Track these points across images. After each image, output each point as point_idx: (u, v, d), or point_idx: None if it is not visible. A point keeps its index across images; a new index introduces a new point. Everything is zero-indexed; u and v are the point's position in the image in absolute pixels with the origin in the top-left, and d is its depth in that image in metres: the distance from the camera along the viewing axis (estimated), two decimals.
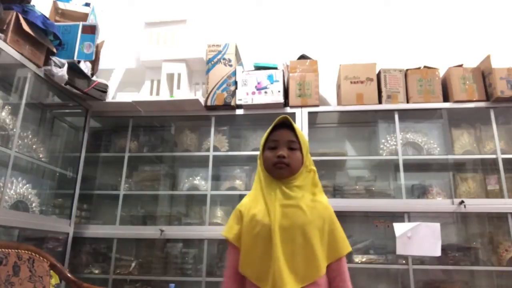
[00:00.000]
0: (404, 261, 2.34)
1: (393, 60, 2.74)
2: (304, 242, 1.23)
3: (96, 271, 2.58)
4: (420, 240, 2.24)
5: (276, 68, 2.68)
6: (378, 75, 2.64)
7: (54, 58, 2.26)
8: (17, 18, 2.03)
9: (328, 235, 1.28)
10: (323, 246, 1.26)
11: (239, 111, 2.68)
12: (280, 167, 1.31)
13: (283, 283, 1.18)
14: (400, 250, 2.25)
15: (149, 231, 2.55)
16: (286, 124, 1.36)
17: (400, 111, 2.57)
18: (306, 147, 1.37)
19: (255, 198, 1.34)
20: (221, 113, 2.70)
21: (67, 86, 2.39)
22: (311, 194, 1.33)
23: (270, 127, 1.37)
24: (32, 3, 2.18)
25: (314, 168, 1.38)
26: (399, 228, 2.29)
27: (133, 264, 2.58)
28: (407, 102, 2.58)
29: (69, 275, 1.82)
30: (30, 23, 2.10)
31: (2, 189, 1.99)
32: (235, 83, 2.67)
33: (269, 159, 1.34)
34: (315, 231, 1.25)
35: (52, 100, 2.60)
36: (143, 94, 2.75)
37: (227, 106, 2.64)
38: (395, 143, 2.58)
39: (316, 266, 1.23)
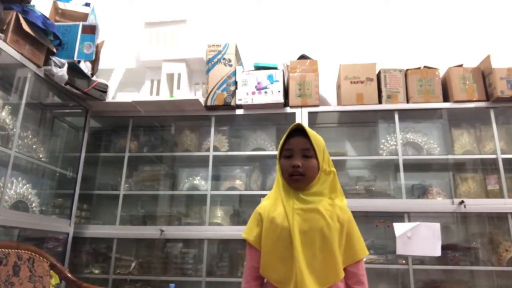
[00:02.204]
0: (404, 261, 2.34)
1: (393, 60, 2.74)
2: (323, 245, 1.24)
3: (96, 271, 2.58)
4: (420, 240, 2.24)
5: (276, 68, 2.68)
6: (378, 75, 2.64)
7: (54, 58, 2.26)
8: (17, 18, 2.03)
9: (346, 238, 1.28)
10: (341, 249, 1.26)
11: (239, 111, 2.68)
12: (297, 180, 1.31)
13: (305, 286, 1.18)
14: (400, 250, 2.25)
15: (149, 231, 2.55)
16: (300, 130, 1.36)
17: (400, 111, 2.57)
18: (322, 151, 1.36)
19: (275, 201, 1.34)
20: (221, 113, 2.70)
21: (67, 86, 2.39)
22: (329, 198, 1.33)
23: (285, 135, 1.37)
24: (32, 3, 2.17)
25: (333, 169, 1.37)
26: (399, 228, 2.29)
27: (133, 264, 2.58)
28: (407, 102, 2.58)
29: (69, 275, 1.82)
30: (30, 23, 2.10)
31: (2, 189, 1.99)
32: (235, 83, 2.67)
33: (285, 167, 1.34)
34: (334, 234, 1.25)
35: (52, 100, 2.60)
36: (143, 94, 2.75)
37: (227, 106, 2.64)
38: (395, 143, 2.58)
39: (336, 269, 1.23)
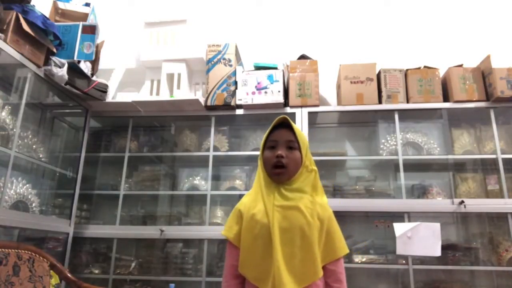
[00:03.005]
0: (404, 261, 2.34)
1: (393, 60, 2.74)
2: (303, 244, 1.23)
3: (96, 271, 2.58)
4: (420, 240, 2.25)
5: (276, 68, 2.68)
6: (378, 75, 2.64)
7: (54, 58, 2.26)
8: (17, 18, 2.03)
9: (326, 236, 1.28)
10: (321, 247, 1.26)
11: (239, 111, 2.68)
12: (279, 173, 1.31)
13: (283, 284, 1.18)
14: (400, 250, 2.25)
15: (149, 231, 2.55)
16: (286, 124, 1.37)
17: (400, 111, 2.57)
18: (306, 146, 1.37)
19: (255, 198, 1.34)
20: (221, 113, 2.70)
21: (67, 86, 2.39)
22: (310, 195, 1.32)
23: (270, 128, 1.38)
24: (32, 3, 2.17)
25: (315, 168, 1.38)
26: (399, 228, 2.29)
27: (133, 264, 2.58)
28: (407, 102, 2.58)
29: (69, 275, 1.82)
30: (30, 23, 2.10)
31: (2, 189, 1.99)
32: (235, 83, 2.67)
33: (268, 159, 1.34)
34: (314, 232, 1.25)
35: (52, 100, 2.60)
36: (143, 94, 2.75)
37: (227, 106, 2.64)
38: (395, 143, 2.58)
39: (314, 268, 1.23)
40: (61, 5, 2.56)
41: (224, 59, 2.70)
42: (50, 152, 2.56)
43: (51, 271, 1.79)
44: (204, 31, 2.84)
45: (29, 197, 2.25)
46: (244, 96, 2.62)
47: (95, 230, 2.60)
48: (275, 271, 1.19)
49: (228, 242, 1.34)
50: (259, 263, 1.24)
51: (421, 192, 2.54)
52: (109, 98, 2.68)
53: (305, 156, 1.35)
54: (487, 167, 2.51)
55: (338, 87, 2.73)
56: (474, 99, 2.49)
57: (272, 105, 2.61)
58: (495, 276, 2.36)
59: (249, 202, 1.35)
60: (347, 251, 1.31)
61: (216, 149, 2.71)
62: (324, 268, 1.26)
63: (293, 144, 1.34)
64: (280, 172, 1.31)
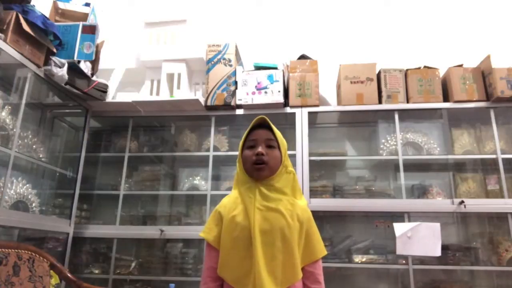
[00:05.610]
0: (404, 261, 2.34)
1: (393, 60, 2.74)
2: (283, 246, 1.23)
3: (96, 271, 2.58)
4: (420, 240, 2.24)
5: (276, 68, 2.68)
6: (378, 75, 2.64)
7: (54, 58, 2.26)
8: (17, 18, 2.04)
9: (305, 238, 1.28)
10: (300, 249, 1.26)
11: (239, 111, 2.68)
12: (260, 168, 1.31)
13: (263, 286, 1.17)
14: (400, 250, 2.25)
15: (149, 231, 2.55)
16: (264, 125, 1.37)
17: (400, 111, 2.57)
18: (285, 146, 1.38)
19: (235, 200, 1.34)
20: (221, 113, 2.70)
21: (67, 86, 2.39)
22: (290, 197, 1.32)
23: (248, 128, 1.38)
24: (32, 3, 2.18)
25: (293, 170, 1.38)
26: (399, 228, 2.29)
27: (133, 264, 2.58)
28: (407, 102, 2.58)
29: (69, 275, 1.82)
30: (30, 23, 2.10)
31: (2, 189, 1.99)
32: (235, 83, 2.67)
33: (248, 157, 1.34)
34: (294, 235, 1.25)
35: (52, 100, 2.60)
36: (143, 94, 2.75)
37: (227, 106, 2.64)
38: (395, 143, 2.58)
39: (294, 270, 1.23)
40: (61, 5, 2.56)
41: (224, 59, 2.70)
42: (50, 152, 2.56)
43: (51, 271, 1.79)
44: (204, 31, 2.84)
45: (29, 197, 2.25)
46: (244, 96, 2.62)
47: (95, 230, 2.60)
48: (255, 273, 1.18)
49: (207, 244, 1.33)
50: (239, 266, 1.23)
51: (421, 192, 2.55)
52: (109, 98, 2.68)
53: (284, 156, 1.35)
54: (487, 167, 2.51)
55: (338, 87, 2.73)
56: (474, 99, 2.49)
57: (272, 105, 2.61)
58: (495, 276, 2.36)
59: (229, 204, 1.35)
60: (325, 252, 1.32)
61: (216, 149, 2.71)
62: (302, 269, 1.26)
63: (273, 143, 1.34)
64: (261, 167, 1.30)
